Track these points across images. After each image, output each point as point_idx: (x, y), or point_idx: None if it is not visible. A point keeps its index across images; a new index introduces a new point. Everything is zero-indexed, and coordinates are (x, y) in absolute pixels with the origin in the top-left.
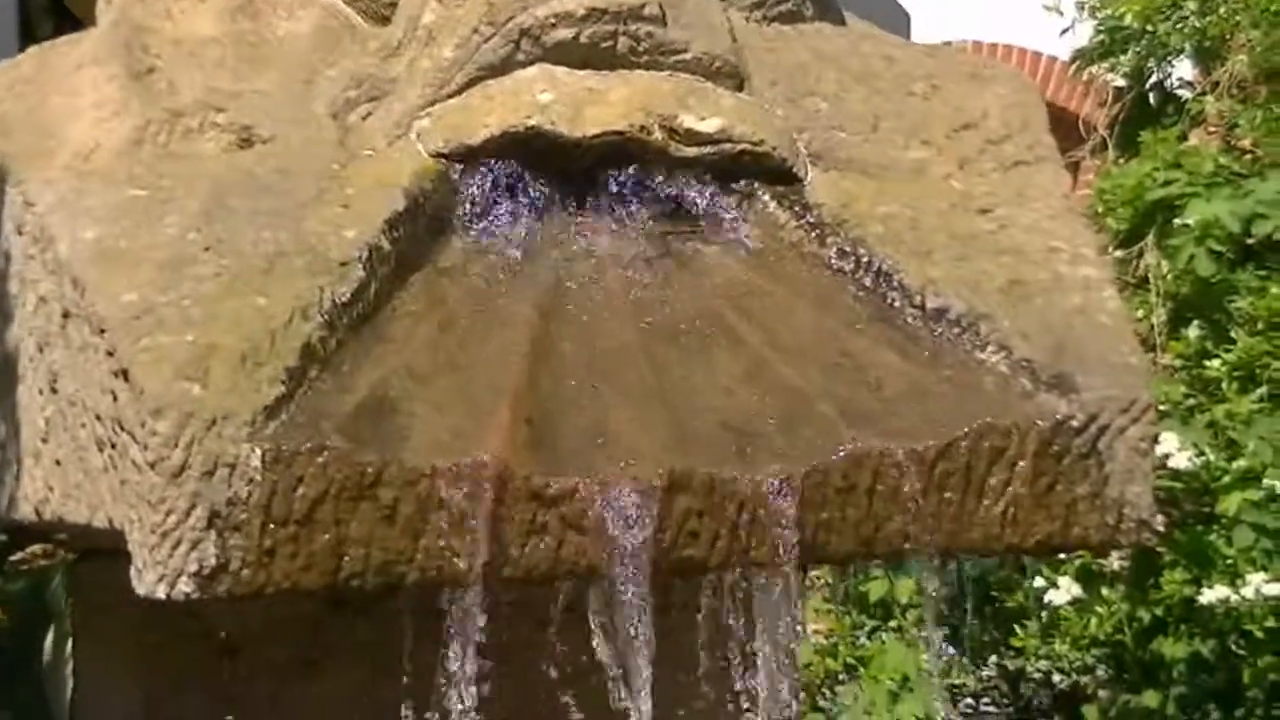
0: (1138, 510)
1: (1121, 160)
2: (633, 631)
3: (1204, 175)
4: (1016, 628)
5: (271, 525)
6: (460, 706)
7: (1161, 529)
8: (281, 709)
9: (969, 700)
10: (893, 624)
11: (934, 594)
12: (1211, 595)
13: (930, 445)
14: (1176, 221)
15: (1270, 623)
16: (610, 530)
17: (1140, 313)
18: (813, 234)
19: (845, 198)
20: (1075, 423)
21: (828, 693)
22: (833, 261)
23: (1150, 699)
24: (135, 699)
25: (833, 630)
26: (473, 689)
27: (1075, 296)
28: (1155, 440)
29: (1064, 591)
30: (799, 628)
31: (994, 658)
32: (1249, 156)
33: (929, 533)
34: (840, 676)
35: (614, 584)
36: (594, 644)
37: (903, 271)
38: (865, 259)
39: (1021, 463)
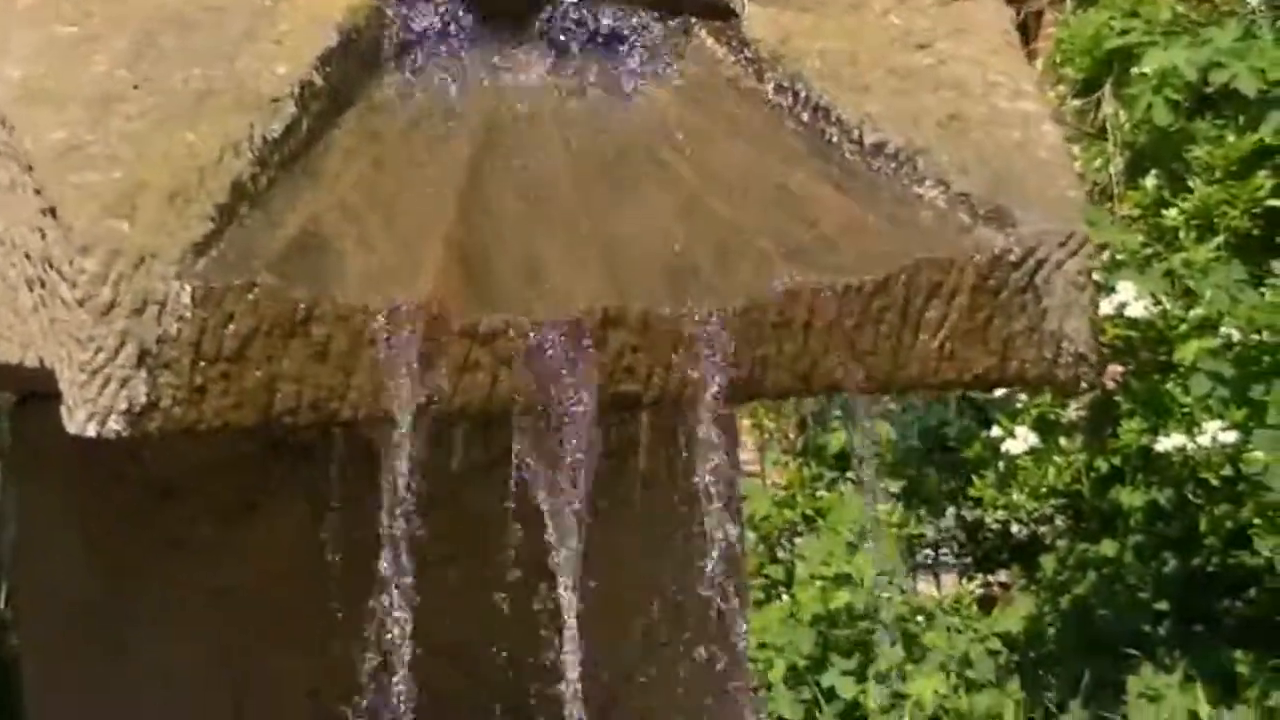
0: (1075, 344)
1: (1079, 10)
2: (567, 468)
3: (1161, 24)
4: (974, 478)
5: (202, 363)
6: (393, 546)
7: (1100, 362)
8: (223, 550)
9: (927, 551)
10: (850, 475)
11: (875, 444)
12: (1168, 443)
13: (867, 280)
14: (1134, 70)
15: (1226, 470)
16: (544, 366)
17: (1098, 162)
18: (750, 69)
19: (783, 32)
20: (1013, 256)
21: (786, 544)
22: (770, 97)
23: (1108, 548)
24: (76, 543)
25: (791, 482)
26: (405, 529)
27: (1014, 131)
28: (1093, 274)
29: (1021, 441)
30: (737, 463)
31: (951, 508)
32: (1207, 5)
33: (866, 367)
34: (798, 528)
35: (548, 421)
36: (530, 486)
37: (840, 106)
38: (803, 94)
39: (959, 297)
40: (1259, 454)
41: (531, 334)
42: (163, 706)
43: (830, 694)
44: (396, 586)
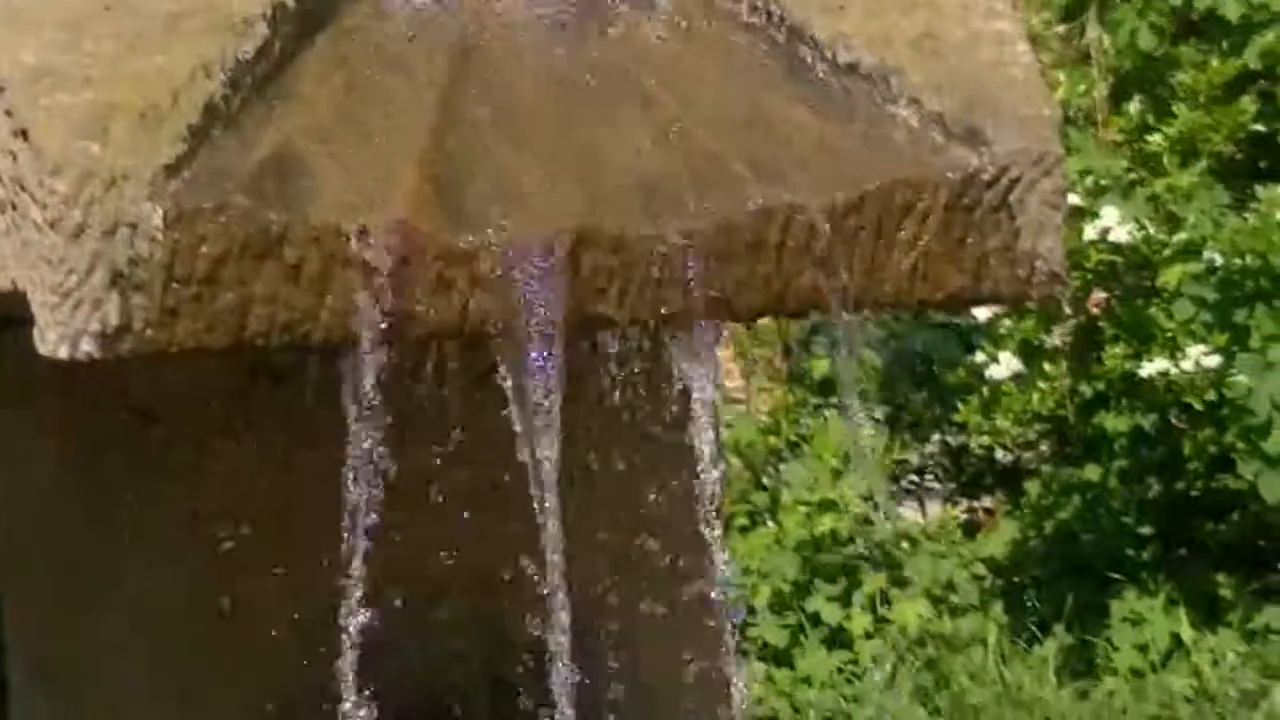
0: (1049, 263)
1: None
2: (541, 389)
3: None
4: (958, 403)
5: (174, 285)
6: (361, 469)
7: (1081, 286)
8: (201, 474)
9: (912, 476)
10: (835, 401)
11: (860, 368)
12: (1152, 368)
13: (840, 199)
14: None
15: (1210, 395)
16: (517, 286)
17: (1082, 87)
18: None
19: None
20: (986, 176)
21: (771, 470)
22: (744, 18)
23: (1091, 472)
24: (53, 466)
25: (776, 408)
26: (375, 450)
27: (988, 51)
28: (1066, 193)
29: (1005, 366)
30: (716, 384)
31: (936, 434)
32: None
33: (839, 286)
34: (783, 454)
35: (521, 341)
36: (504, 407)
37: (815, 26)
38: (777, 14)
39: (932, 216)
40: (1242, 378)
41: (505, 253)
42: (143, 634)
43: (815, 619)
44: (367, 511)
